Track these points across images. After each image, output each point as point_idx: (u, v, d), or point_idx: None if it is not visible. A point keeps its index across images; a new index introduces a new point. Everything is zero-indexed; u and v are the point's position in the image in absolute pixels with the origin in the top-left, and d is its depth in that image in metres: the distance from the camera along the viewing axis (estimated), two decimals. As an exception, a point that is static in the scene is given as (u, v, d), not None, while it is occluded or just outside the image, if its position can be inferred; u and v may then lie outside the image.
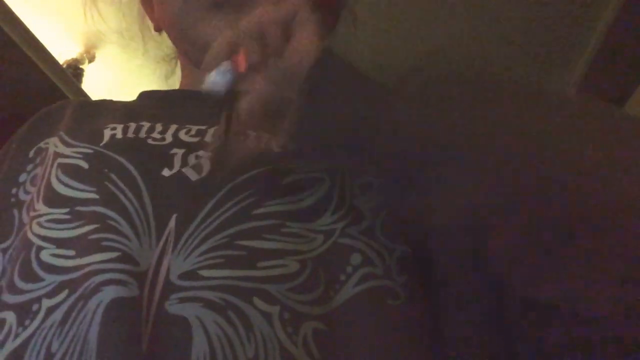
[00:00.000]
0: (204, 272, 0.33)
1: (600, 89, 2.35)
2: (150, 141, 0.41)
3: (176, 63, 0.61)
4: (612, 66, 2.18)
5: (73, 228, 0.36)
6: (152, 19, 0.56)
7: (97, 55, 2.19)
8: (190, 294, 0.33)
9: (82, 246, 0.35)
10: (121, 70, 2.26)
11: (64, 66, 2.00)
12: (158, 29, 0.55)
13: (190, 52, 0.51)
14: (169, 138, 0.41)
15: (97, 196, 0.37)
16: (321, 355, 0.33)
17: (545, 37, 2.32)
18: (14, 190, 0.43)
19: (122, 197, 0.36)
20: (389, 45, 2.25)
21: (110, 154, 0.39)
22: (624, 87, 2.02)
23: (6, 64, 1.59)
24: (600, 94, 2.34)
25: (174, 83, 0.59)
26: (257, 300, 0.33)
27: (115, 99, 0.53)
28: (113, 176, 0.37)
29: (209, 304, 0.32)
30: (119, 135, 0.42)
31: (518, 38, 2.33)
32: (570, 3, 2.13)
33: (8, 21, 1.53)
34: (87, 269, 0.33)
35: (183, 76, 0.56)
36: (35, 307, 0.33)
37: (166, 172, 0.38)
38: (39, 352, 0.32)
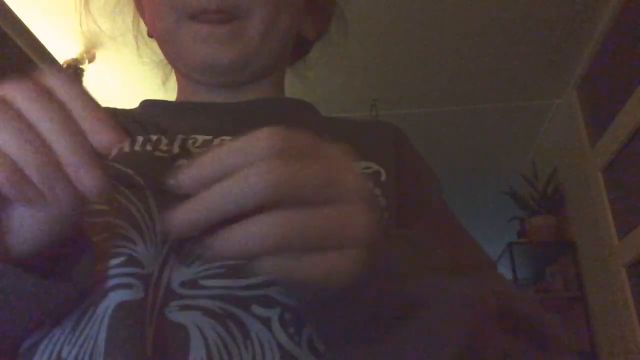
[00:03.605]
0: (205, 282, 0.34)
1: (600, 89, 2.35)
2: (157, 153, 0.42)
3: (171, 69, 0.61)
4: (612, 66, 2.18)
5: None
6: (145, 23, 0.56)
7: (97, 55, 2.19)
8: (190, 302, 0.33)
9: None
10: (121, 71, 2.26)
11: (64, 66, 2.01)
12: (151, 35, 0.55)
13: (183, 68, 0.51)
14: (175, 149, 0.42)
15: (106, 208, 0.38)
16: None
17: (545, 37, 2.33)
18: None
19: (130, 207, 0.37)
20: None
21: (119, 167, 0.40)
22: (624, 87, 2.02)
23: (6, 64, 1.60)
24: (600, 94, 2.34)
25: (172, 87, 0.59)
26: (255, 307, 0.33)
27: (117, 106, 0.53)
28: (122, 188, 0.38)
29: (208, 313, 0.33)
30: (127, 148, 0.43)
31: (518, 38, 2.34)
32: (570, 3, 2.13)
33: (8, 21, 1.53)
34: (96, 277, 0.34)
35: (179, 86, 0.56)
36: None
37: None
38: (49, 356, 0.32)
